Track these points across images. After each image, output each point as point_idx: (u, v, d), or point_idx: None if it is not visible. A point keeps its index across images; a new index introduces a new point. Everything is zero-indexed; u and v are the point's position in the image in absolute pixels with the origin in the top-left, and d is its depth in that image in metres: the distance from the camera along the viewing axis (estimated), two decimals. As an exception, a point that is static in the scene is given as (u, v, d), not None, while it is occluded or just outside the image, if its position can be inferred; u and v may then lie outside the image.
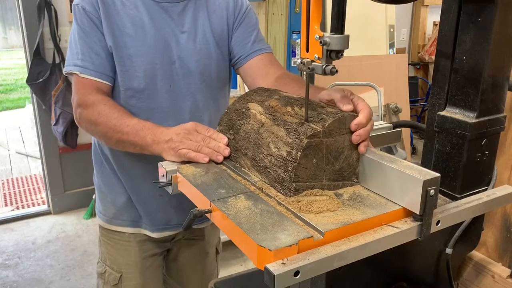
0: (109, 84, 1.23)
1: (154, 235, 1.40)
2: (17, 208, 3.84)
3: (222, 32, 1.33)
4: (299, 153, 0.82)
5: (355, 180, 0.89)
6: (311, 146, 0.83)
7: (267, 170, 0.89)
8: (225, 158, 1.02)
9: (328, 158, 0.85)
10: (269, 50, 1.38)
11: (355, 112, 0.90)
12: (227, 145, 1.02)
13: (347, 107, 0.89)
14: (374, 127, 1.14)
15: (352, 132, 0.86)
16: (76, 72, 1.20)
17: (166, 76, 1.26)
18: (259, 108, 1.00)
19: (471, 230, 0.98)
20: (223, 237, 1.90)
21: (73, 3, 1.25)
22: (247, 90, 1.66)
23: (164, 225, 1.39)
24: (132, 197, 1.37)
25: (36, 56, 3.21)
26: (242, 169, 0.98)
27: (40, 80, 3.23)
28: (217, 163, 1.01)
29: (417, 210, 0.76)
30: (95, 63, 1.20)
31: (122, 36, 1.21)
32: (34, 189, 4.19)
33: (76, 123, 1.24)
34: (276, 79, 1.26)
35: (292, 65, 3.75)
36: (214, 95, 1.36)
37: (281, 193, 0.85)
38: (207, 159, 1.00)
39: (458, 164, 0.92)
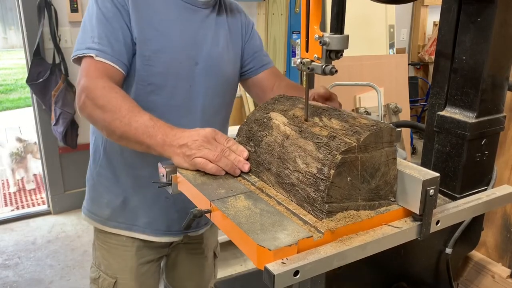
0: (124, 73, 1.17)
1: (154, 239, 1.37)
2: (17, 208, 3.84)
3: (238, 41, 1.38)
4: (332, 171, 0.73)
5: (392, 199, 0.81)
6: (345, 163, 0.74)
7: (294, 188, 0.81)
8: (244, 173, 0.95)
9: (363, 176, 0.77)
10: (272, 64, 1.47)
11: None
12: (247, 159, 0.96)
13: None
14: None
15: (390, 146, 0.79)
16: (91, 55, 1.12)
17: (188, 76, 1.25)
18: (282, 119, 0.92)
19: (471, 230, 0.98)
20: (223, 237, 1.89)
21: None
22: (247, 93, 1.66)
23: (164, 231, 1.37)
24: (135, 198, 1.33)
25: (36, 56, 3.21)
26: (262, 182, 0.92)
27: (40, 80, 3.23)
28: None
29: (416, 210, 0.76)
30: (114, 48, 1.14)
31: (149, 29, 1.18)
32: (34, 189, 4.19)
33: (78, 110, 1.12)
34: (285, 89, 1.35)
35: (292, 65, 3.75)
36: (228, 99, 1.39)
37: (311, 214, 0.77)
38: (223, 173, 0.93)
39: (458, 164, 0.92)
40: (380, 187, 0.79)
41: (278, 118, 0.94)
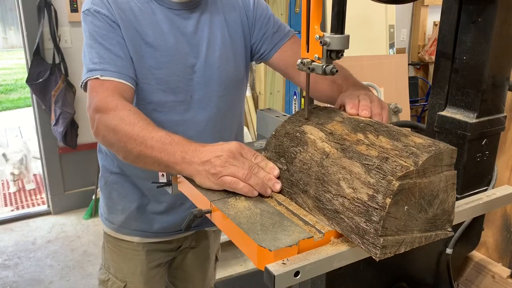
0: (133, 87, 1.11)
1: (167, 239, 1.37)
2: (17, 208, 3.84)
3: (238, 33, 1.28)
4: (388, 200, 0.64)
5: (449, 230, 0.74)
6: (403, 190, 0.65)
7: (339, 215, 0.71)
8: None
9: (421, 204, 0.68)
10: (289, 35, 1.32)
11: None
12: (278, 178, 0.86)
13: (364, 113, 0.89)
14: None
15: (449, 170, 0.71)
16: (97, 76, 1.06)
17: (187, 87, 1.19)
18: (319, 133, 0.83)
19: (471, 230, 0.98)
20: (223, 238, 1.90)
21: (82, 11, 1.14)
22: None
23: (178, 231, 1.36)
24: (151, 206, 1.31)
25: (36, 56, 3.21)
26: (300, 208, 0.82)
27: (40, 80, 3.22)
28: None
29: (417, 210, 0.76)
30: (117, 64, 1.09)
31: (142, 45, 1.14)
32: (34, 189, 4.19)
33: (93, 134, 1.05)
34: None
35: (292, 65, 3.74)
36: (235, 101, 1.32)
37: (361, 247, 0.68)
38: (256, 193, 0.83)
39: (458, 164, 0.91)
40: (437, 216, 0.71)
41: (313, 133, 0.84)
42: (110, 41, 1.10)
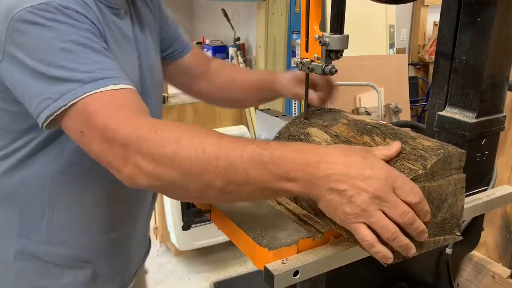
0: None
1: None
2: (17, 208, 3.84)
3: (156, 32, 1.06)
4: None
5: (458, 234, 0.72)
6: None
7: None
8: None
9: (429, 208, 0.67)
10: (192, 43, 1.20)
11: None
12: None
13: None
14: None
15: (457, 173, 0.69)
16: (108, 87, 0.70)
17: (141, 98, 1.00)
18: (324, 136, 0.82)
19: (471, 230, 0.98)
20: (223, 237, 1.89)
21: (43, 1, 0.70)
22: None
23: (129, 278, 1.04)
24: (106, 266, 0.96)
25: (36, 56, 3.21)
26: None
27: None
28: None
29: (417, 210, 0.75)
30: (119, 68, 0.76)
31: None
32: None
33: (126, 178, 0.67)
34: (215, 72, 1.19)
35: (292, 65, 3.74)
36: (162, 108, 1.14)
37: (370, 253, 0.64)
38: (390, 260, 0.62)
39: (458, 164, 0.92)
40: (446, 221, 0.70)
41: (318, 135, 0.82)
42: (96, 42, 0.76)
